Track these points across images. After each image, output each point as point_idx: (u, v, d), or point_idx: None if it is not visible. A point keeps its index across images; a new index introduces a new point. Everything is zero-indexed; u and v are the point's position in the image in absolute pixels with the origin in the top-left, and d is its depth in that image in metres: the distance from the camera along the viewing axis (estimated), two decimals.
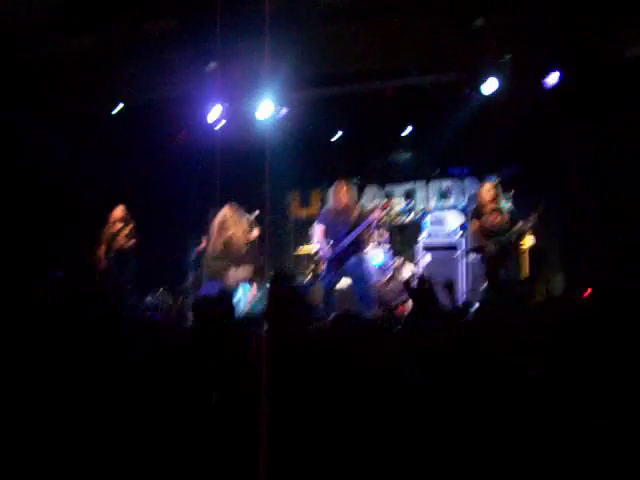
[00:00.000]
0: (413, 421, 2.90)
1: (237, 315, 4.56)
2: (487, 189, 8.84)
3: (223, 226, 9.30)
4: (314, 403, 3.00)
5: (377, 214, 9.11)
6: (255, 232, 9.42)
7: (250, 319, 8.45)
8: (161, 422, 2.88)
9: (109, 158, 11.03)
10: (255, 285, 9.31)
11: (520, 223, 8.54)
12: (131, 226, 9.49)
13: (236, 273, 9.21)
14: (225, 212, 9.38)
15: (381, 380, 3.12)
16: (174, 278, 10.63)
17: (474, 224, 8.98)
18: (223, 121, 10.23)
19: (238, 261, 9.27)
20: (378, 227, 9.92)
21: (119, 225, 9.73)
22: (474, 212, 9.19)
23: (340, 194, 8.79)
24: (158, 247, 10.59)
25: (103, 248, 9.72)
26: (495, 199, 8.77)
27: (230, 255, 9.26)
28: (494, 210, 8.73)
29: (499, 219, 8.69)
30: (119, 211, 9.88)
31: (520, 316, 4.53)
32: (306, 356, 3.46)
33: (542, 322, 3.80)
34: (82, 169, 10.79)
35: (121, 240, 9.50)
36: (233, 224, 9.32)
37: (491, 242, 8.67)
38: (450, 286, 6.62)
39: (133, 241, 9.57)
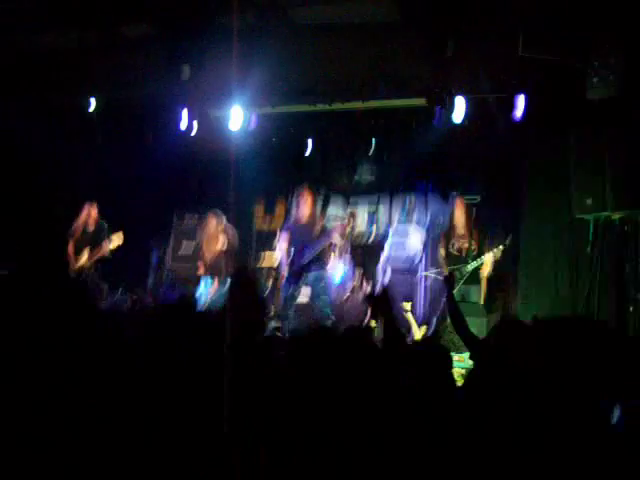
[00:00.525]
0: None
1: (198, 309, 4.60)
2: (458, 213, 8.91)
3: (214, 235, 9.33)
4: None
5: (339, 230, 9.21)
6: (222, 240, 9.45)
7: (210, 314, 8.54)
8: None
9: (80, 153, 11.00)
10: (217, 280, 9.34)
11: (487, 254, 8.59)
12: (120, 233, 9.26)
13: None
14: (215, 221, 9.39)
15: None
16: (133, 280, 10.61)
17: (442, 245, 9.01)
18: (193, 127, 10.27)
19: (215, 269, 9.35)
20: (338, 245, 9.98)
21: (92, 226, 9.46)
22: (445, 233, 9.26)
23: (304, 204, 8.85)
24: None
25: (72, 245, 9.37)
26: (465, 223, 8.79)
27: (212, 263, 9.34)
28: (462, 235, 8.77)
29: (466, 245, 8.73)
30: (94, 211, 9.57)
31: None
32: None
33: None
34: (52, 162, 10.76)
35: (105, 247, 9.21)
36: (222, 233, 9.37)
37: (453, 269, 8.70)
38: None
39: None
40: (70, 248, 9.28)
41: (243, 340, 3.41)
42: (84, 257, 9.17)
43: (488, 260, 8.61)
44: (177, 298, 8.99)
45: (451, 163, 10.72)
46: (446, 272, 8.75)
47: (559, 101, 8.11)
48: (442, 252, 8.98)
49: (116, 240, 9.20)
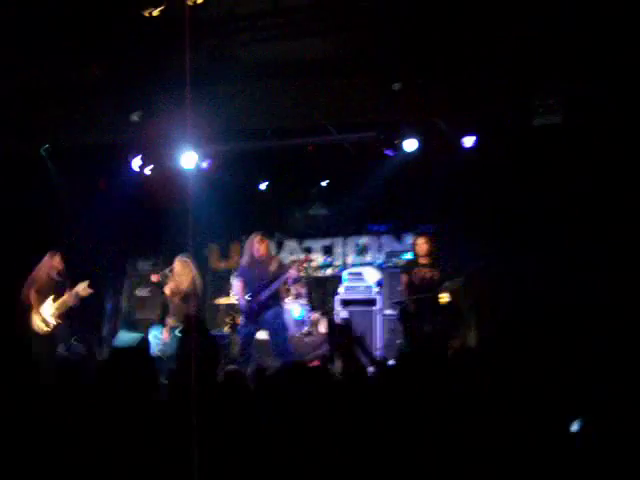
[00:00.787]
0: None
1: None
2: (420, 243, 8.91)
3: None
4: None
5: (296, 268, 9.22)
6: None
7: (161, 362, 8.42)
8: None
9: (33, 199, 10.85)
10: (166, 329, 9.22)
11: (447, 283, 8.64)
12: (85, 284, 8.92)
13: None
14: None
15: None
16: (86, 328, 10.40)
17: (403, 278, 9.05)
18: (145, 172, 10.23)
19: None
20: (296, 281, 10.01)
21: (56, 276, 9.06)
22: (405, 265, 9.31)
23: (256, 246, 8.84)
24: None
25: (34, 293, 8.90)
26: (427, 254, 8.84)
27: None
28: (425, 265, 8.82)
29: (429, 274, 8.77)
30: (59, 261, 9.14)
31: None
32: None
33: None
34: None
35: (70, 298, 8.86)
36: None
37: (413, 299, 8.73)
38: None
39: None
40: (33, 298, 8.85)
41: (199, 384, 3.34)
42: (52, 308, 8.85)
43: (445, 295, 8.66)
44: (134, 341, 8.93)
45: (404, 197, 10.84)
46: (410, 303, 8.75)
47: (507, 128, 8.31)
48: (405, 280, 8.94)
49: (82, 291, 8.89)
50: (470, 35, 7.40)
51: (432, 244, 8.87)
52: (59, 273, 9.00)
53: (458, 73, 8.06)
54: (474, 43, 7.48)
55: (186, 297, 9.11)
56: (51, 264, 9.01)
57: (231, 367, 8.32)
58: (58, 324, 8.79)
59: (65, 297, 8.82)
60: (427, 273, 8.76)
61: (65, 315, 8.89)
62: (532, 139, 8.30)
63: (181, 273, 9.22)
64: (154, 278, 9.67)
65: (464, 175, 9.64)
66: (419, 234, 9.35)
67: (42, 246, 10.12)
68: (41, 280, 8.94)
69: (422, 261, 8.85)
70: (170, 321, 9.15)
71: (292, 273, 8.82)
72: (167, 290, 9.25)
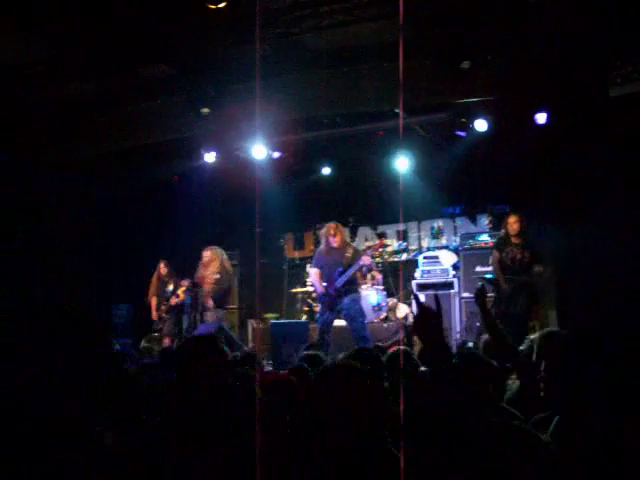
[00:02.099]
0: None
1: None
2: (512, 222, 8.61)
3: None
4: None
5: (370, 253, 9.21)
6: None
7: None
8: None
9: (105, 201, 11.16)
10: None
11: (537, 267, 8.39)
12: (186, 283, 9.98)
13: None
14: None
15: None
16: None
17: (495, 255, 8.86)
18: (217, 165, 10.36)
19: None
20: (370, 269, 9.96)
21: (169, 279, 10.38)
22: (497, 243, 9.02)
23: (332, 234, 8.84)
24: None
25: (155, 300, 10.40)
26: (519, 233, 8.63)
27: None
28: (517, 245, 8.60)
29: (520, 255, 8.56)
30: (164, 267, 10.47)
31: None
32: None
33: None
34: (77, 214, 10.93)
35: (181, 296, 10.04)
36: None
37: (508, 279, 8.56)
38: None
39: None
40: (153, 304, 10.40)
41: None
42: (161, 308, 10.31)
43: (539, 273, 8.42)
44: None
45: (477, 178, 10.66)
46: (502, 282, 8.56)
47: (582, 101, 8.05)
48: (497, 256, 8.74)
49: (181, 294, 10.05)
50: (538, 4, 7.18)
51: (523, 223, 8.58)
52: (168, 276, 10.40)
53: (527, 46, 7.85)
54: (542, 13, 7.26)
55: (216, 282, 9.51)
56: (160, 271, 10.46)
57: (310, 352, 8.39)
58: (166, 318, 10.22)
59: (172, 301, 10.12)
60: (518, 254, 8.51)
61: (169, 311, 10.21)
62: (610, 111, 8.01)
63: (210, 261, 9.60)
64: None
65: (538, 153, 9.41)
66: (511, 212, 9.04)
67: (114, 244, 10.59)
68: (155, 287, 10.50)
69: (514, 240, 8.55)
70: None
71: (365, 260, 8.76)
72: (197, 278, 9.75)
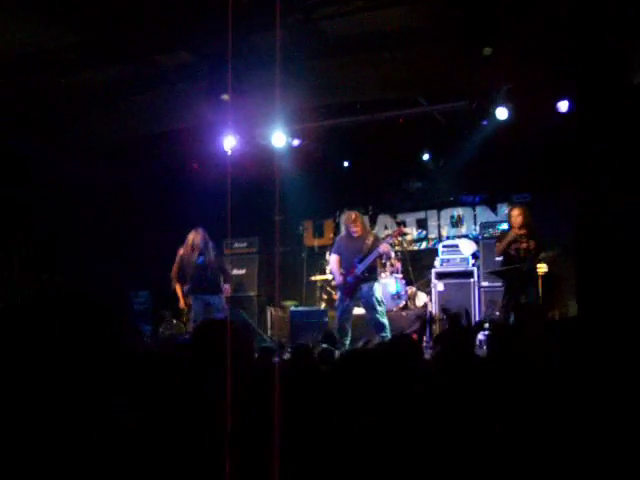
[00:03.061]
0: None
1: None
2: (515, 215, 8.74)
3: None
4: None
5: (390, 241, 9.20)
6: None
7: None
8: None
9: (126, 189, 11.21)
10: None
11: (543, 254, 8.47)
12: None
13: None
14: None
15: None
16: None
17: (498, 247, 8.92)
18: (237, 152, 10.35)
19: None
20: (389, 257, 9.94)
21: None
22: (500, 235, 9.17)
23: (352, 222, 8.83)
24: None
25: (179, 286, 9.96)
26: (522, 225, 8.69)
27: None
28: (521, 236, 8.66)
29: (525, 245, 8.62)
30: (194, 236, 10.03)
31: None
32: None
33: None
34: (97, 201, 10.99)
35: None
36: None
37: (514, 268, 8.61)
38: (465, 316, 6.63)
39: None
40: (178, 291, 9.88)
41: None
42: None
43: (543, 265, 8.49)
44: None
45: (498, 166, 10.60)
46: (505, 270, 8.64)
47: (605, 89, 7.94)
48: (499, 247, 8.83)
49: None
50: None
51: (527, 215, 8.68)
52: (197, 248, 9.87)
53: (549, 33, 7.76)
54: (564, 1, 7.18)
55: None
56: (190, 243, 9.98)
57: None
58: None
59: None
60: (523, 244, 8.59)
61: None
62: (633, 99, 7.92)
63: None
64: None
65: (560, 141, 9.32)
66: (513, 206, 9.17)
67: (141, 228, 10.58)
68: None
69: (517, 232, 8.65)
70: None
71: (384, 248, 8.74)
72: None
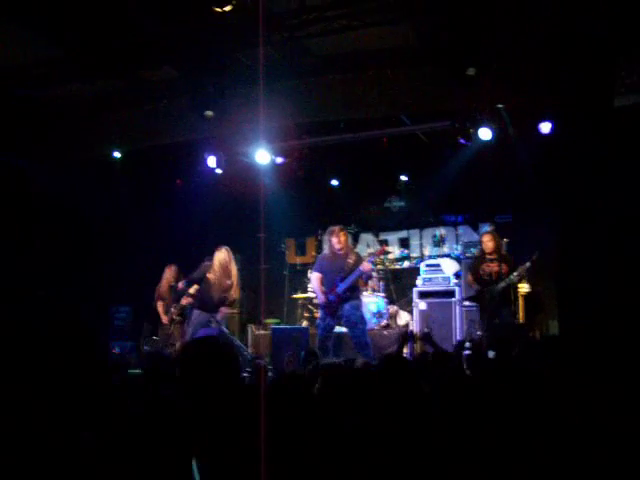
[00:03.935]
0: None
1: None
2: (486, 240, 8.92)
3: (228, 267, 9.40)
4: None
5: (372, 260, 9.19)
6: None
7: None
8: None
9: (108, 204, 11.16)
10: None
11: (514, 274, 8.59)
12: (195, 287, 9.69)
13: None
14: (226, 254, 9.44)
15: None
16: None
17: (469, 276, 9.09)
18: (220, 168, 10.34)
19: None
20: (369, 277, 9.86)
21: (174, 283, 10.14)
22: (471, 263, 9.35)
23: (335, 239, 8.80)
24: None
25: (162, 304, 10.17)
26: (493, 251, 8.83)
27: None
28: (493, 259, 8.80)
29: (496, 269, 8.76)
30: (173, 271, 10.28)
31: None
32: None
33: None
34: (79, 215, 10.93)
35: (186, 298, 9.74)
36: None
37: (485, 291, 8.74)
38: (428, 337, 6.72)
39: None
40: (160, 308, 10.14)
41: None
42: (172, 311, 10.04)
43: (515, 278, 8.61)
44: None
45: (480, 186, 10.67)
46: (483, 295, 8.76)
47: (587, 112, 8.04)
48: (470, 278, 9.01)
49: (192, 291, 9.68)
50: (544, 14, 7.18)
51: (497, 240, 8.87)
52: (176, 280, 10.09)
53: (533, 55, 7.85)
54: (548, 22, 7.26)
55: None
56: (169, 276, 10.24)
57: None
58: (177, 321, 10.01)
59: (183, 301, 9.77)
60: (495, 267, 8.75)
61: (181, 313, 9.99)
62: (613, 121, 8.01)
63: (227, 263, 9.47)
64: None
65: (542, 163, 9.40)
66: (484, 233, 9.38)
67: (124, 247, 10.54)
68: (164, 293, 10.23)
69: (490, 256, 8.83)
70: None
71: (365, 267, 8.70)
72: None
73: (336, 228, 8.86)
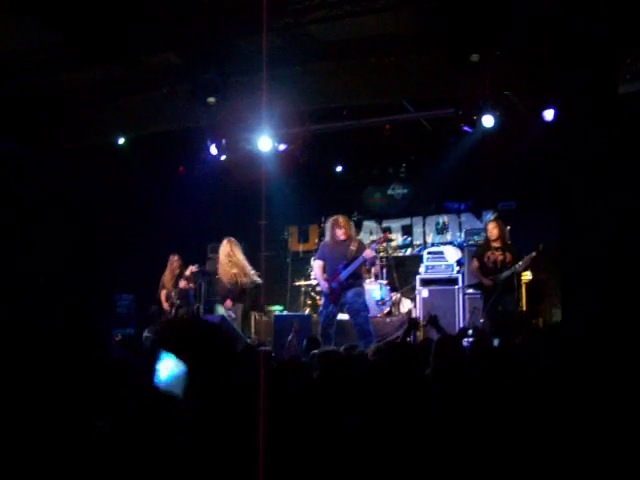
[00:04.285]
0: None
1: None
2: (491, 228, 8.97)
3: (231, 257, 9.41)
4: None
5: (375, 247, 9.18)
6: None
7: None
8: None
9: (111, 191, 11.15)
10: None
11: (519, 263, 8.59)
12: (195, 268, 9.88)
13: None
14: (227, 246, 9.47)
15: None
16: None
17: (475, 262, 9.07)
18: (224, 154, 10.32)
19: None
20: (373, 263, 9.83)
21: (178, 271, 10.19)
22: (476, 250, 9.33)
23: (337, 228, 8.78)
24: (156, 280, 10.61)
25: (164, 292, 10.20)
26: (498, 238, 8.83)
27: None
28: (497, 248, 8.81)
29: (500, 257, 8.77)
30: (177, 260, 10.27)
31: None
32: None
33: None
34: (82, 204, 10.92)
35: (183, 282, 9.97)
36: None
37: (489, 279, 8.74)
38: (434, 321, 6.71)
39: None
40: (162, 296, 10.18)
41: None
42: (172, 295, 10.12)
43: (520, 268, 8.62)
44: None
45: (484, 174, 10.62)
46: (484, 281, 8.75)
47: (591, 98, 7.97)
48: (475, 264, 8.97)
49: (188, 272, 9.92)
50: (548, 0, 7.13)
51: (502, 228, 8.88)
52: (181, 268, 10.14)
53: (537, 42, 7.79)
54: (553, 8, 7.20)
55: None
56: (172, 266, 10.23)
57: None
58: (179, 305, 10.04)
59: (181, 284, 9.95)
60: (500, 256, 8.77)
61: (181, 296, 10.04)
62: (618, 109, 7.95)
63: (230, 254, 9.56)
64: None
65: (545, 150, 9.35)
66: (489, 220, 9.30)
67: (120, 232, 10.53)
68: (169, 282, 10.23)
69: (494, 244, 8.84)
70: None
71: (368, 254, 8.67)
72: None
73: (340, 218, 8.81)
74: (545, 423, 2.70)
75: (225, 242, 9.49)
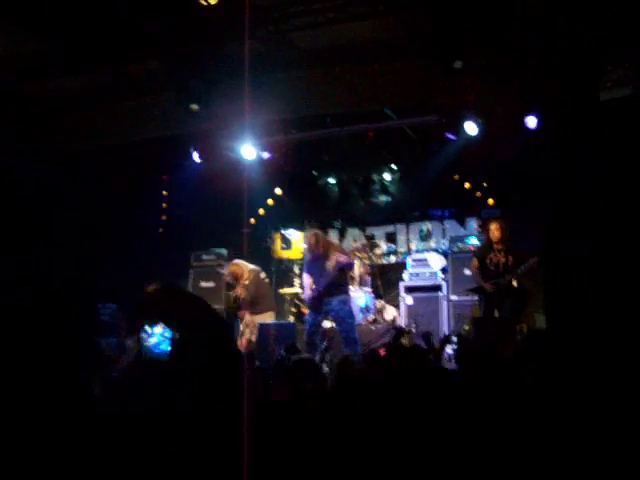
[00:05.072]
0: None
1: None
2: (493, 229, 8.72)
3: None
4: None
5: (358, 252, 9.16)
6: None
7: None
8: None
9: (94, 200, 11.08)
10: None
11: (522, 267, 8.50)
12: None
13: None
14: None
15: None
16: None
17: (474, 262, 8.95)
18: (206, 163, 10.29)
19: None
20: (351, 266, 9.71)
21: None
22: (477, 250, 9.19)
23: (312, 241, 8.70)
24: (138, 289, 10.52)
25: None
26: (500, 240, 8.71)
27: None
28: (500, 250, 8.69)
29: (502, 260, 8.65)
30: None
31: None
32: None
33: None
34: (65, 212, 10.84)
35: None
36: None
37: (490, 284, 8.63)
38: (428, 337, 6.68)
39: None
40: None
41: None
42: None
43: (522, 271, 8.53)
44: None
45: (467, 181, 10.66)
46: (486, 286, 8.64)
47: (573, 105, 8.02)
48: (475, 264, 8.85)
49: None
50: (530, 9, 7.17)
51: (505, 229, 8.68)
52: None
53: (519, 49, 7.83)
54: (535, 16, 7.24)
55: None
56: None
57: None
58: None
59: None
60: (502, 258, 8.60)
61: None
62: (600, 115, 8.00)
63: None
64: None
65: (529, 157, 9.38)
66: (492, 220, 9.15)
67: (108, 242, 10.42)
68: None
69: (497, 246, 8.65)
70: None
71: (340, 259, 8.57)
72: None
73: (312, 237, 8.71)
74: (531, 429, 2.69)
75: (230, 264, 9.69)
